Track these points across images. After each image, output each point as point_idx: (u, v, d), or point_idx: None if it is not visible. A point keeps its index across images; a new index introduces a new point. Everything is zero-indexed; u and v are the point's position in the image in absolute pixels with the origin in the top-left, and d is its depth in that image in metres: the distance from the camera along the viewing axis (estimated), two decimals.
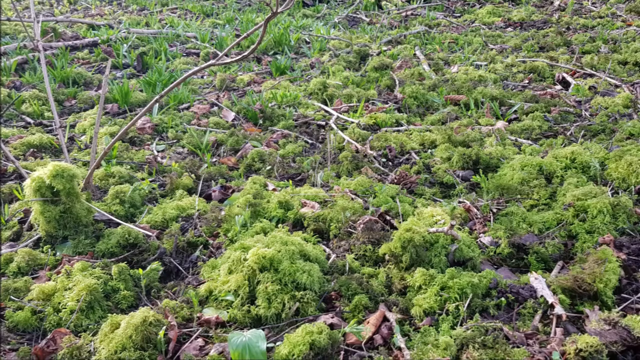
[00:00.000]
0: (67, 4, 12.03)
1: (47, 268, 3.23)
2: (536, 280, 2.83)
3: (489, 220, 3.52)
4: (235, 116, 5.67)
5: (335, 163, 4.49)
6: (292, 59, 8.03)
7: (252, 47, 3.44)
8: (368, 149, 4.60)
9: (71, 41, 8.39)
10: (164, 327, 2.54)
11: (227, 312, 2.76)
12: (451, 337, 2.46)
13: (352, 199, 3.75)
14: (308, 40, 9.07)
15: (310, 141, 5.10)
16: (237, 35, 9.13)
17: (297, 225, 3.63)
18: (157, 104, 5.70)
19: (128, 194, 3.85)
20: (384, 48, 8.20)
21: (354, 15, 11.09)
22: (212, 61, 3.57)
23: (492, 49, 8.01)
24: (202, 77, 7.29)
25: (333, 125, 5.22)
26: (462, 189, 3.98)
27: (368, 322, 2.63)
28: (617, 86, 5.98)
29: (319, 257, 3.08)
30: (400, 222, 3.38)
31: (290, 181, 4.13)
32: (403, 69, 6.95)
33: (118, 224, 3.57)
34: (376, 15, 10.95)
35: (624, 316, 2.54)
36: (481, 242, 3.30)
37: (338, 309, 2.77)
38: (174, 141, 5.15)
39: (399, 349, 2.46)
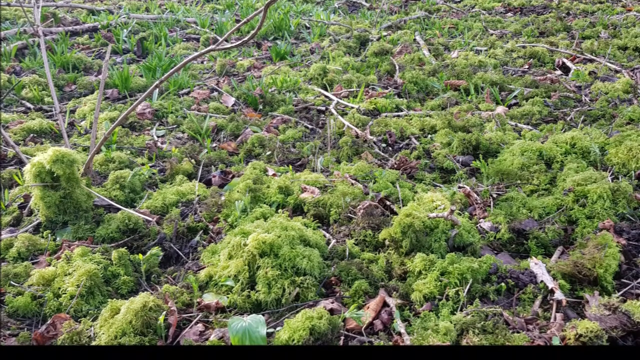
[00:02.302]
0: None
1: (47, 253, 3.23)
2: (536, 265, 2.83)
3: (489, 206, 3.52)
4: (235, 101, 5.66)
5: (335, 148, 4.48)
6: (292, 44, 8.00)
7: (252, 32, 3.42)
8: (368, 134, 4.59)
9: (71, 26, 8.36)
10: (164, 313, 2.54)
11: (227, 297, 2.76)
12: (451, 322, 2.47)
13: (352, 184, 3.75)
14: (308, 25, 9.03)
15: (310, 126, 5.09)
16: (237, 21, 9.10)
17: (297, 210, 3.63)
18: (157, 89, 5.68)
19: (128, 179, 3.85)
20: (384, 33, 8.17)
21: (354, 0, 11.04)
22: (212, 46, 3.56)
23: (492, 34, 7.98)
24: (202, 62, 7.27)
25: (333, 111, 5.20)
26: (462, 174, 3.98)
27: (368, 308, 2.63)
28: (617, 71, 5.97)
29: (319, 242, 3.08)
30: (400, 208, 3.38)
31: (290, 166, 4.13)
32: (403, 54, 6.93)
33: (118, 209, 3.57)
34: (376, 0, 10.90)
35: (624, 301, 2.54)
36: (481, 227, 3.30)
37: (338, 294, 2.78)
38: (174, 126, 5.14)
39: (399, 334, 2.46)
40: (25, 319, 2.75)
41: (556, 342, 2.32)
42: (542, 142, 4.18)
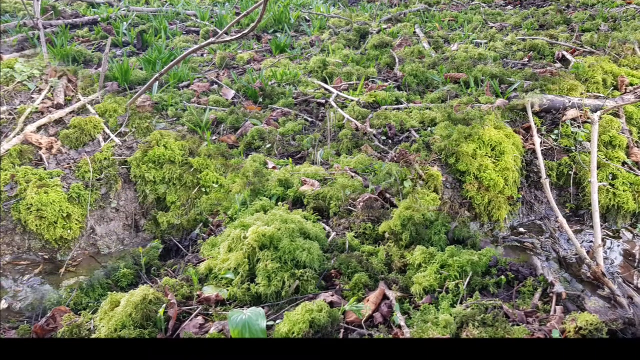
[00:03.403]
0: None
1: None
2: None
3: None
4: (235, 94, 5.65)
5: (335, 141, 4.48)
6: (292, 37, 7.99)
7: (252, 25, 3.42)
8: (368, 127, 4.58)
9: (71, 19, 8.34)
10: (164, 306, 2.54)
11: (227, 290, 2.76)
12: (451, 315, 2.47)
13: (352, 177, 3.74)
14: (308, 18, 9.01)
15: (310, 119, 5.08)
16: (237, 14, 9.08)
17: (297, 203, 3.62)
18: (157, 82, 5.67)
19: None
20: (384, 26, 8.16)
21: None
22: (212, 39, 3.55)
23: (492, 27, 7.96)
24: (202, 55, 7.26)
25: (333, 104, 5.20)
26: None
27: (368, 301, 2.63)
28: None
29: (319, 235, 3.08)
30: (400, 201, 3.38)
31: (290, 159, 4.12)
32: (403, 47, 6.92)
33: None
34: None
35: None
36: None
37: (338, 287, 2.78)
38: (174, 119, 5.14)
39: (399, 327, 2.46)
40: (25, 312, 2.75)
41: (556, 335, 2.32)
42: None
